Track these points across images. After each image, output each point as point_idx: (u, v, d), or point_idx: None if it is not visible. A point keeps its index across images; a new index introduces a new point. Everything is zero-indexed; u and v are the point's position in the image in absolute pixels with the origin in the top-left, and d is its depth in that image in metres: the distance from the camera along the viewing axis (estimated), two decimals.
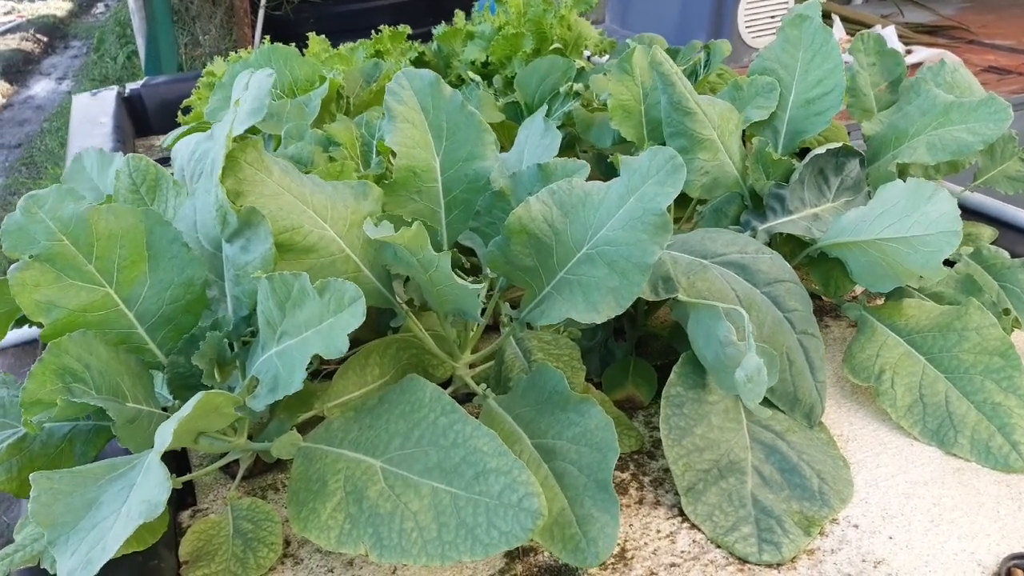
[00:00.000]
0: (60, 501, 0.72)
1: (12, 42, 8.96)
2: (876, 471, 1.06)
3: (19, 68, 8.34)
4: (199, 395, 0.78)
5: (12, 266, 0.93)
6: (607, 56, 2.25)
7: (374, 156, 1.53)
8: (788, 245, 1.32)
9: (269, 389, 0.88)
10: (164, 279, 1.00)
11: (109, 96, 2.52)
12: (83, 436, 0.98)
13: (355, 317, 0.82)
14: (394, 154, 1.16)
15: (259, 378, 0.90)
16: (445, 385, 1.25)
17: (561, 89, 1.71)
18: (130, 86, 2.59)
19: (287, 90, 1.91)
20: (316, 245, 0.99)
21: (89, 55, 8.42)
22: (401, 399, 0.94)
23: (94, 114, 2.37)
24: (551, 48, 2.00)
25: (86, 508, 0.73)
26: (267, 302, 0.89)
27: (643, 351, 1.28)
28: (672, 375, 1.04)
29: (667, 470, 1.06)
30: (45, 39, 9.39)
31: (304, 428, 1.07)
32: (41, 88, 7.85)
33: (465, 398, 1.21)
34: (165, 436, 0.71)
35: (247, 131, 1.02)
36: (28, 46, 8.98)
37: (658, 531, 0.97)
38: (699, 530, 0.97)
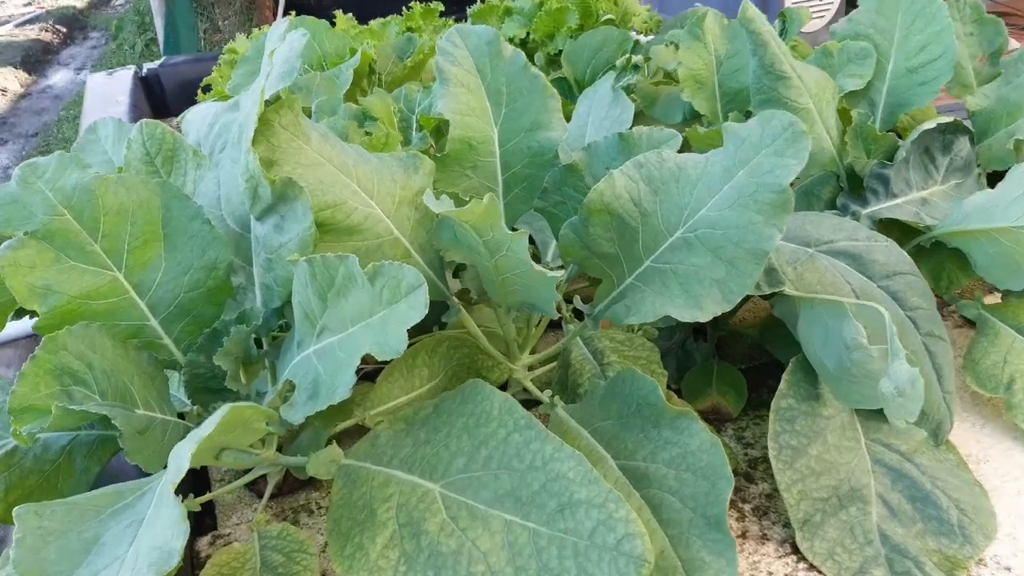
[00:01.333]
0: (51, 544, 0.57)
1: (31, 33, 8.89)
2: (1018, 500, 0.89)
3: (38, 58, 8.26)
4: (224, 409, 0.63)
5: (4, 244, 0.78)
6: (651, 36, 2.09)
7: (415, 132, 1.37)
8: (892, 233, 1.15)
9: (308, 396, 0.72)
10: (182, 262, 0.85)
11: (126, 76, 2.38)
12: (85, 449, 0.83)
13: (415, 309, 0.67)
14: (441, 131, 1.00)
15: (295, 383, 0.74)
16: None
17: (617, 62, 1.54)
18: (148, 66, 2.45)
19: (316, 65, 1.75)
20: (361, 225, 0.84)
21: (108, 44, 8.33)
22: (463, 410, 0.79)
23: (109, 93, 2.22)
24: (602, 21, 1.84)
25: (84, 551, 0.58)
26: (305, 290, 0.74)
27: (724, 353, 1.12)
28: (783, 383, 0.88)
29: (770, 496, 0.90)
30: (64, 30, 9.32)
31: (342, 440, 0.92)
32: (60, 78, 7.76)
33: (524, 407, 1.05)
34: (182, 460, 0.56)
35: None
36: (47, 36, 8.91)
37: (770, 573, 0.81)
38: (819, 572, 0.80)
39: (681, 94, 1.29)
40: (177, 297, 0.85)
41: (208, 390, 0.85)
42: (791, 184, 1.20)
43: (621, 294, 0.87)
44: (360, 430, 1.01)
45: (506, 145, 1.00)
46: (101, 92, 2.26)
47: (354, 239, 0.83)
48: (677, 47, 1.38)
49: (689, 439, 0.78)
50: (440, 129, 1.36)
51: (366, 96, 1.48)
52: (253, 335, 0.85)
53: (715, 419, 1.03)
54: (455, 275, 1.10)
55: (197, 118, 1.08)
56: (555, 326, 1.21)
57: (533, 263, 0.76)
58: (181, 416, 0.87)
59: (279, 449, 0.96)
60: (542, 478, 0.71)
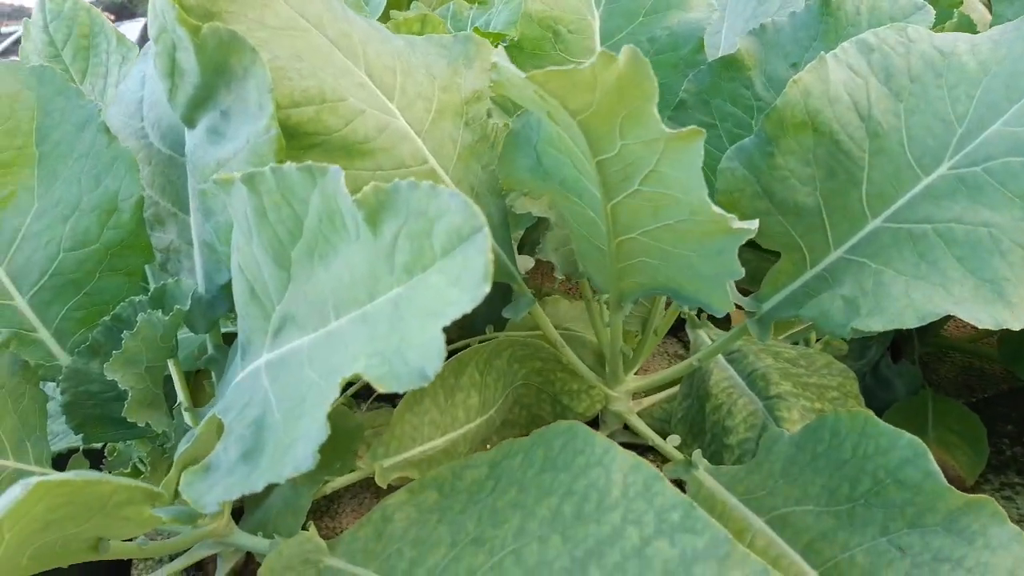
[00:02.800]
0: None
1: None
2: None
3: None
4: (17, 489, 0.27)
5: None
6: None
7: None
8: None
9: (242, 455, 0.36)
10: (64, 199, 0.50)
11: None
12: None
13: (465, 283, 0.30)
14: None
15: (225, 424, 0.38)
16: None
17: None
18: None
19: None
20: (370, 142, 0.48)
21: None
22: (550, 481, 0.42)
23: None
24: None
25: None
26: (249, 244, 0.38)
27: (929, 380, 0.74)
28: None
29: None
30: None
31: (337, 506, 0.56)
32: None
33: None
34: None
35: None
36: None
37: None
38: None
39: None
40: (55, 258, 0.50)
41: (104, 420, 0.50)
42: None
43: (821, 278, 0.50)
44: (368, 488, 0.65)
45: (614, 35, 0.63)
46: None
47: (356, 164, 0.47)
48: None
49: (991, 556, 0.40)
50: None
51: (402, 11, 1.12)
52: (187, 327, 0.49)
53: None
54: (521, 246, 0.74)
55: None
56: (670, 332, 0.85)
57: (710, 201, 0.39)
58: (61, 458, 0.53)
59: (236, 515, 0.61)
60: None
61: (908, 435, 0.43)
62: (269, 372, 0.38)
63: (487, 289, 0.30)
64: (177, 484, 0.37)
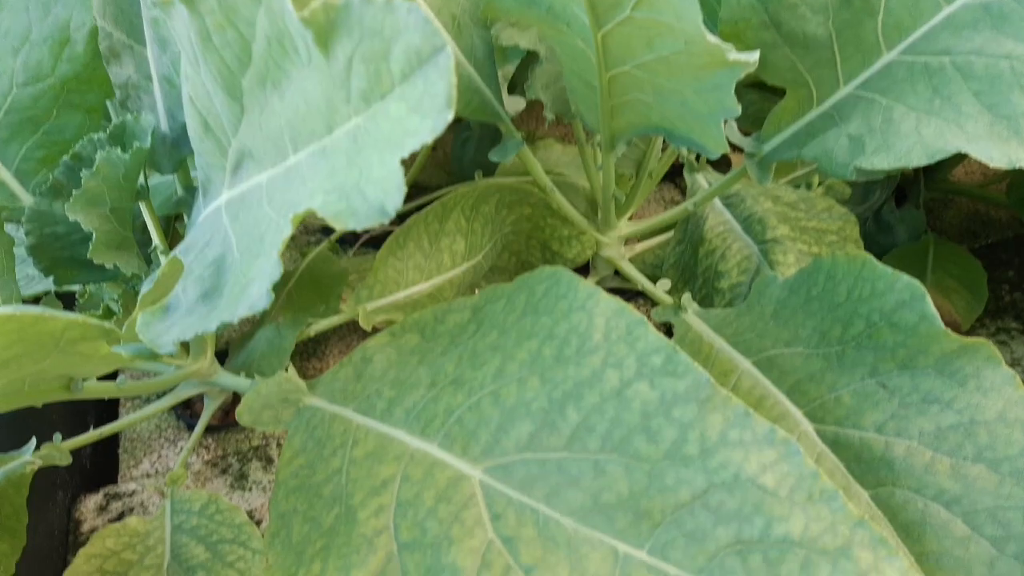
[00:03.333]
0: None
1: None
2: None
3: None
4: None
5: None
6: None
7: None
8: None
9: (202, 294, 0.34)
10: (14, 28, 0.46)
11: None
12: None
13: (425, 109, 0.28)
14: None
15: (185, 264, 0.36)
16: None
17: None
18: None
19: None
20: None
21: None
22: (531, 325, 0.40)
23: None
24: None
25: None
26: (198, 74, 0.35)
27: (935, 226, 0.72)
28: None
29: None
30: None
31: (324, 350, 0.56)
32: None
33: None
34: None
35: None
36: None
37: None
38: None
39: None
40: (8, 94, 0.47)
41: (72, 262, 0.48)
42: None
43: (828, 116, 0.47)
44: (352, 332, 0.64)
45: None
46: None
47: None
48: None
49: (982, 399, 0.39)
50: None
51: None
52: (141, 167, 0.47)
53: None
54: (512, 86, 0.70)
55: None
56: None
57: (706, 30, 0.36)
58: (36, 300, 0.52)
59: (221, 355, 0.61)
60: (700, 482, 0.33)
61: (906, 277, 0.41)
62: (229, 211, 0.36)
63: (450, 116, 0.27)
64: None
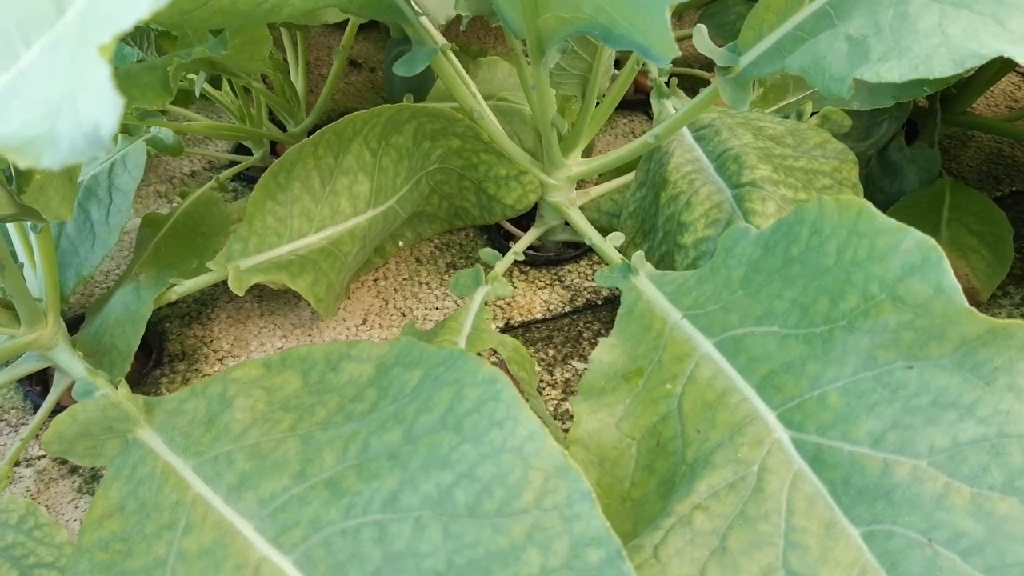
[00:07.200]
0: None
1: None
2: None
3: None
4: None
5: None
6: None
7: None
8: None
9: None
10: None
11: None
12: None
13: None
14: None
15: None
16: (517, 225, 0.63)
17: None
18: None
19: None
20: None
21: None
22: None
23: None
24: None
25: None
26: None
27: (950, 168, 0.60)
28: None
29: None
30: None
31: (211, 311, 0.45)
32: None
33: (560, 256, 0.57)
34: None
35: None
36: None
37: None
38: None
39: None
40: None
41: None
42: None
43: (823, 15, 0.35)
44: (253, 291, 0.53)
45: None
46: None
47: None
48: None
49: (1015, 403, 0.28)
50: None
51: None
52: None
53: None
54: None
55: None
56: (625, 107, 0.71)
57: None
58: None
59: (78, 320, 0.51)
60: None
61: (916, 233, 0.30)
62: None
63: None
64: None
